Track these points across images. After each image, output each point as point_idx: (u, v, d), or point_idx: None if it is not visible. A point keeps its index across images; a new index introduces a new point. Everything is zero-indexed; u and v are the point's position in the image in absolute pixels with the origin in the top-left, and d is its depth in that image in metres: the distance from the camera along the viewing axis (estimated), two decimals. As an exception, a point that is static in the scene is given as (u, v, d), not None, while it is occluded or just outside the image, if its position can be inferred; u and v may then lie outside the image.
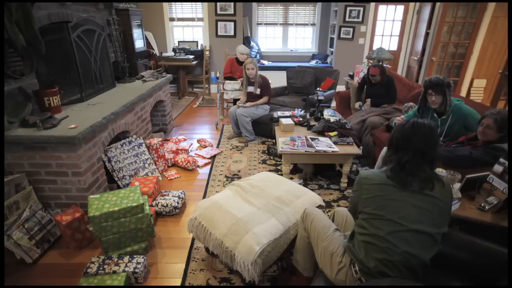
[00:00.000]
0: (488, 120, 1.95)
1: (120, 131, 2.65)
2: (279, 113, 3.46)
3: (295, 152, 2.57)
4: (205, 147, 3.65)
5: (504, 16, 4.84)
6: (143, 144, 2.90)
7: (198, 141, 3.77)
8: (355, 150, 2.63)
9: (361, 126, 3.18)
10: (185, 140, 3.78)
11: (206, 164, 3.23)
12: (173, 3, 5.87)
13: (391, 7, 5.87)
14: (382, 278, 1.16)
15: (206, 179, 2.93)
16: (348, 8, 5.69)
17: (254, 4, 6.35)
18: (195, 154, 3.44)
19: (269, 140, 3.88)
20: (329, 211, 2.45)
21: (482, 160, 1.91)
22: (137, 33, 3.86)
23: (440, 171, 1.77)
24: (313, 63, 6.32)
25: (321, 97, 3.51)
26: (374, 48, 5.44)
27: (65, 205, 2.18)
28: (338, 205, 2.53)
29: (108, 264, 1.75)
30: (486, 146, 1.98)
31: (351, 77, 5.01)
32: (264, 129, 3.87)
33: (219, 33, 5.87)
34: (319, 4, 6.36)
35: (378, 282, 1.14)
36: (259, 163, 3.27)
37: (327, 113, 3.27)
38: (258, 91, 3.78)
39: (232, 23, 5.77)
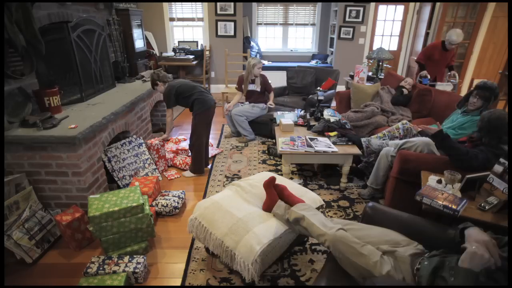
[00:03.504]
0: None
1: (120, 131, 2.65)
2: (279, 113, 3.46)
3: (295, 152, 2.57)
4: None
5: (504, 16, 4.84)
6: (143, 144, 2.90)
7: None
8: (354, 150, 2.63)
9: (365, 124, 3.21)
10: (185, 140, 3.77)
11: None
12: (173, 3, 5.87)
13: (391, 7, 5.87)
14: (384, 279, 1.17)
15: (206, 179, 2.93)
16: (348, 8, 5.70)
17: (254, 4, 6.35)
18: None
19: (269, 140, 3.89)
20: (329, 211, 2.45)
21: (488, 164, 1.90)
22: (137, 33, 3.86)
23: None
24: (313, 63, 6.33)
25: (321, 97, 3.50)
26: (374, 48, 5.44)
27: (65, 205, 2.18)
28: (338, 205, 2.53)
29: (108, 264, 1.75)
30: (487, 146, 1.98)
31: (351, 77, 5.01)
32: (264, 129, 3.87)
33: (219, 33, 5.87)
34: (319, 4, 6.36)
35: (382, 282, 1.15)
36: (259, 163, 3.27)
37: (327, 113, 3.26)
38: (259, 89, 3.83)
39: (232, 23, 5.77)
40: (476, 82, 5.40)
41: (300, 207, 1.61)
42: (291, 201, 1.71)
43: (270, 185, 1.78)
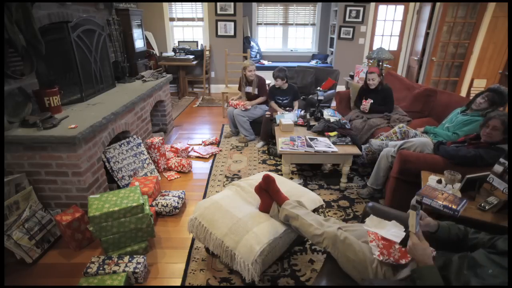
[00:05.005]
0: (495, 121, 1.93)
1: (120, 131, 2.65)
2: (279, 113, 3.45)
3: (295, 152, 2.56)
4: (207, 145, 3.66)
5: (504, 16, 4.84)
6: (142, 144, 2.90)
7: (203, 141, 3.77)
8: (354, 150, 2.63)
9: (363, 126, 3.20)
10: (180, 143, 3.76)
11: (202, 160, 3.25)
12: (173, 3, 5.87)
13: (391, 7, 5.87)
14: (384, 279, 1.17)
15: (206, 179, 2.93)
16: (348, 8, 5.69)
17: (254, 4, 6.35)
18: (194, 151, 3.46)
19: (269, 140, 3.88)
20: (329, 211, 2.45)
21: (490, 162, 1.90)
22: (137, 33, 3.86)
23: None
24: (313, 63, 6.32)
25: (321, 97, 3.50)
26: (374, 48, 5.43)
27: (65, 205, 2.18)
28: (338, 205, 2.53)
29: (108, 264, 1.75)
30: (488, 146, 1.98)
31: (351, 77, 5.01)
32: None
33: (219, 33, 5.87)
34: (319, 4, 6.36)
35: (380, 282, 1.15)
36: (259, 163, 3.27)
37: (327, 113, 3.26)
38: (256, 91, 3.81)
39: (232, 23, 5.77)
40: (476, 82, 5.40)
41: (292, 204, 1.63)
42: (279, 199, 1.72)
43: (261, 189, 1.78)
